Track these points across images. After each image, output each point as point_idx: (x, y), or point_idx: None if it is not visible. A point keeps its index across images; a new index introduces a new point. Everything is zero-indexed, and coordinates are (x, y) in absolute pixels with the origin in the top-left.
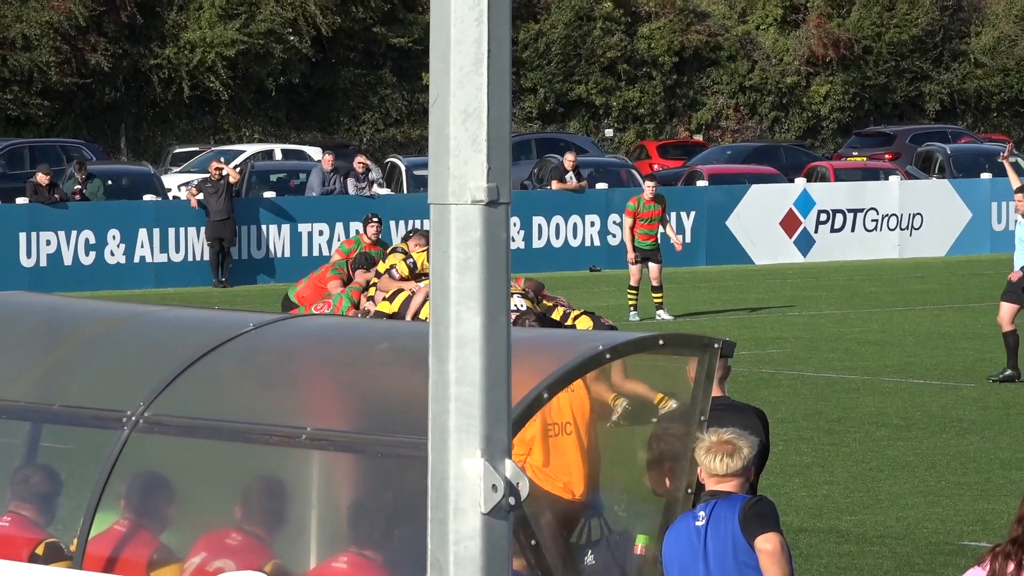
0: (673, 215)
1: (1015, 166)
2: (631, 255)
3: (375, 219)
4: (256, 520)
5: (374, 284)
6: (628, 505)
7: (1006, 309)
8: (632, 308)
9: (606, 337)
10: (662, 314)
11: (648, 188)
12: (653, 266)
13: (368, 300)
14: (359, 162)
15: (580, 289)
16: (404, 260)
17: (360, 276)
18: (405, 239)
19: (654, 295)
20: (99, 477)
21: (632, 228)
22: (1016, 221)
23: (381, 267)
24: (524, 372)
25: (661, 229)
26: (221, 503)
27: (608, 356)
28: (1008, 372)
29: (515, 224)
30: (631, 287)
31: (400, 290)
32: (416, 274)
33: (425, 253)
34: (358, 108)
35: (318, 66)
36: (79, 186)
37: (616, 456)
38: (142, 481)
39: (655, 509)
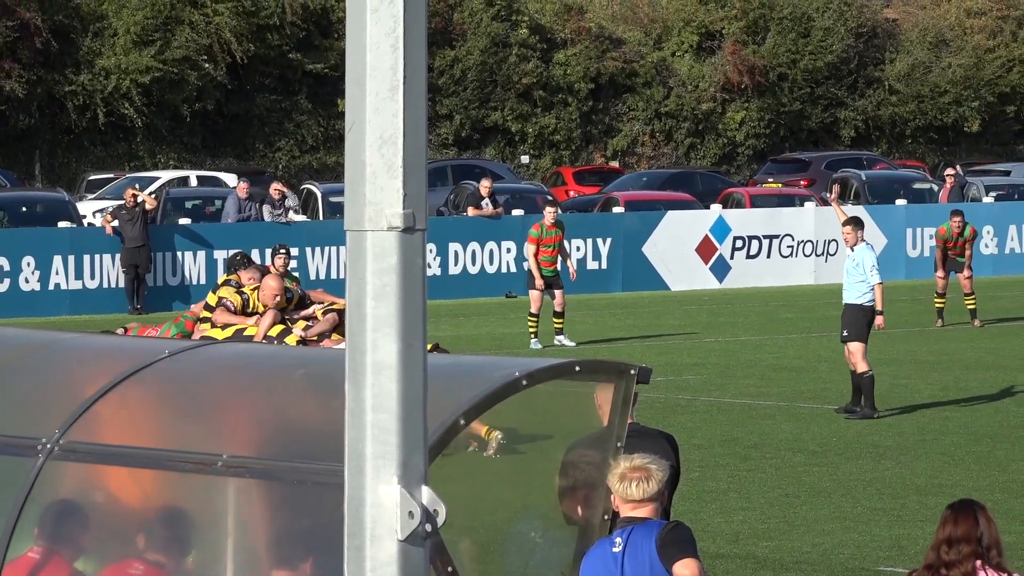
0: (588, 242)
1: (840, 204)
2: (539, 282)
3: (283, 251)
4: (161, 549)
5: (207, 318)
6: (545, 532)
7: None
8: (533, 335)
9: (522, 364)
10: (563, 340)
11: (549, 214)
12: (556, 292)
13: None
14: (275, 189)
15: (496, 315)
16: (237, 292)
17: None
18: (233, 269)
19: (555, 320)
20: (14, 505)
21: (536, 254)
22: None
23: (211, 299)
24: (441, 399)
25: (561, 256)
26: (132, 531)
27: (524, 383)
28: (853, 407)
29: (431, 250)
30: (532, 314)
31: (232, 324)
32: (248, 312)
33: (258, 290)
34: (273, 135)
35: (233, 93)
36: None
37: (532, 483)
38: (56, 509)
39: (571, 536)
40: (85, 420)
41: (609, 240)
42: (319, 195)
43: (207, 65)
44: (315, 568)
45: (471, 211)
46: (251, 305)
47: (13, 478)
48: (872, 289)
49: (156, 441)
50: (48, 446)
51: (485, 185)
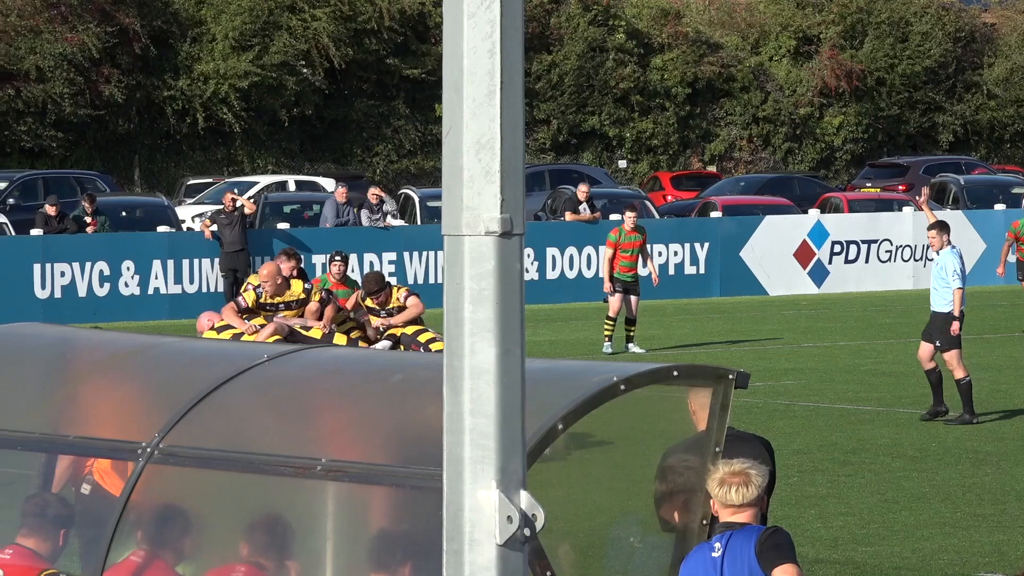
0: (686, 246)
1: (930, 207)
2: (607, 285)
3: (338, 258)
4: (264, 553)
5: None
6: (644, 537)
7: (925, 349)
8: (607, 339)
9: (620, 368)
10: (633, 347)
11: (629, 219)
12: (632, 298)
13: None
14: (373, 193)
15: (593, 320)
16: (254, 289)
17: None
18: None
19: (627, 328)
20: (114, 508)
21: (612, 259)
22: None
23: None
24: (539, 403)
25: (640, 261)
26: (234, 536)
27: (623, 387)
28: (937, 408)
29: (529, 255)
30: (609, 318)
31: (231, 327)
32: (262, 306)
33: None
34: (371, 139)
35: (331, 98)
36: (87, 217)
37: (630, 488)
38: (157, 512)
39: (669, 541)
40: (184, 424)
41: (707, 245)
42: (417, 200)
43: (305, 70)
44: (414, 573)
45: (568, 216)
46: (264, 298)
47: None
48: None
49: (255, 445)
50: (148, 450)
51: (582, 190)
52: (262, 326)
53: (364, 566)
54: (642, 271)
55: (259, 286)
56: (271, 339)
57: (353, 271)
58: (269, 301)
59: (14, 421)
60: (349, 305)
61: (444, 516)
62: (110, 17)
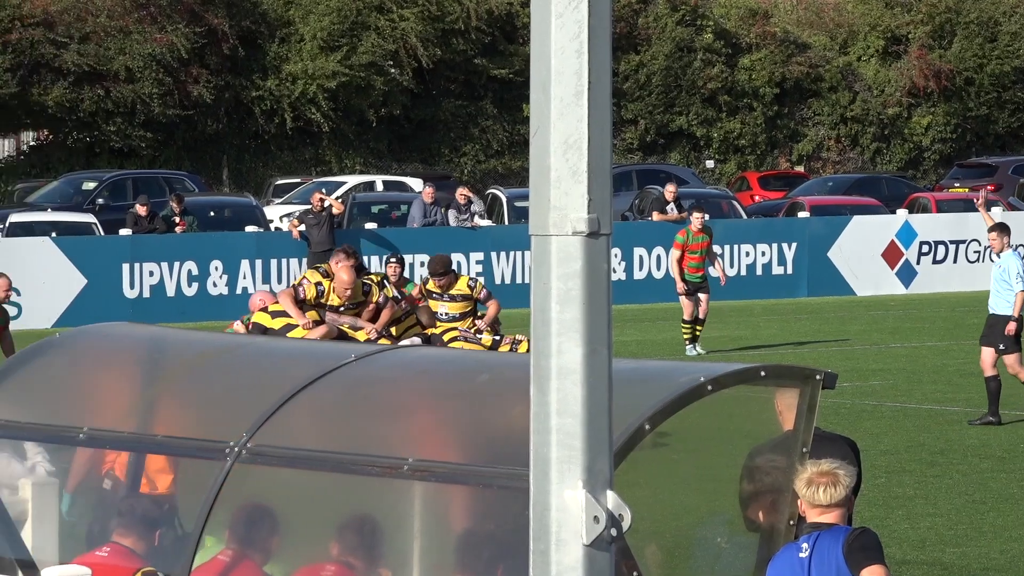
0: (774, 246)
1: (987, 209)
2: (680, 287)
3: (394, 260)
4: (355, 552)
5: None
6: (730, 537)
7: (987, 354)
8: (687, 342)
9: (707, 369)
10: (693, 349)
11: (696, 219)
12: (702, 298)
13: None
14: (461, 193)
15: (680, 320)
16: (317, 283)
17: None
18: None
19: (694, 327)
20: (202, 507)
21: (680, 261)
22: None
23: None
24: (626, 403)
25: (708, 262)
26: (322, 535)
27: (709, 388)
28: (989, 417)
29: (616, 255)
30: (685, 321)
31: (286, 313)
32: (321, 303)
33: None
34: (459, 139)
35: (419, 98)
36: (176, 217)
37: (717, 488)
38: (246, 512)
39: (756, 541)
40: (272, 424)
41: (795, 245)
42: (504, 200)
43: (393, 70)
44: (500, 572)
45: (656, 216)
46: (325, 296)
47: (202, 481)
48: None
49: (342, 445)
50: (236, 449)
51: (670, 190)
52: (316, 323)
53: (450, 566)
54: (712, 272)
55: (320, 284)
56: (320, 339)
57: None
58: (329, 303)
59: (104, 420)
60: (415, 292)
61: (531, 516)
62: (199, 18)
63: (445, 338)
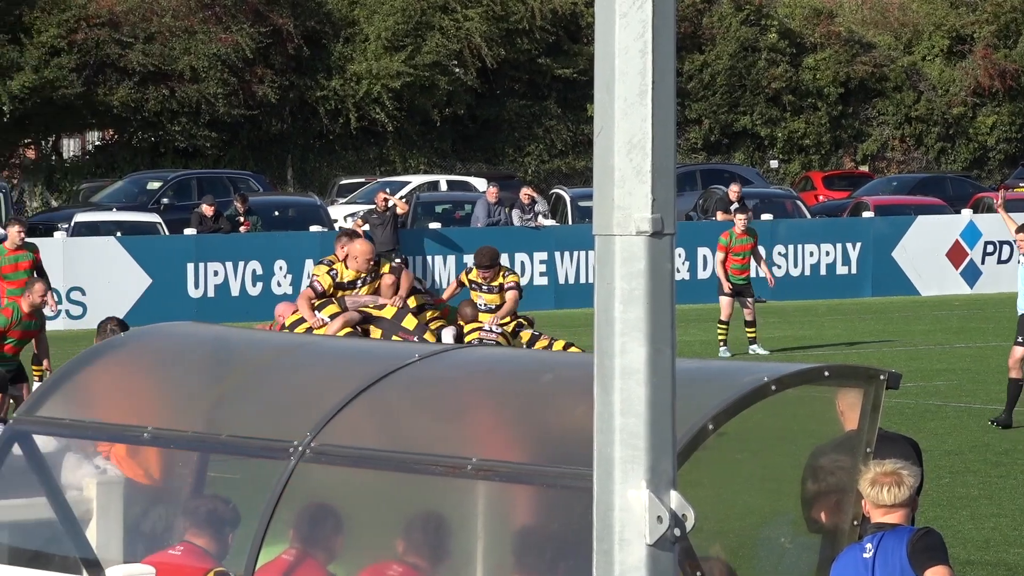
0: (838, 246)
1: (1005, 208)
2: (726, 287)
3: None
4: (418, 552)
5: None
6: (794, 537)
7: (1018, 351)
8: (722, 343)
9: (771, 369)
10: (756, 348)
11: (739, 221)
12: (747, 300)
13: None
14: (525, 193)
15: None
16: (328, 271)
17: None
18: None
19: (748, 330)
20: (266, 507)
21: (724, 262)
22: (1019, 261)
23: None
24: (689, 403)
25: (754, 263)
26: (386, 534)
27: (773, 388)
28: (1007, 421)
29: (680, 255)
30: (721, 321)
31: (303, 320)
32: (341, 285)
33: (347, 259)
34: (523, 139)
35: (483, 97)
36: (240, 217)
37: (780, 488)
38: (310, 511)
39: (819, 541)
40: (336, 423)
41: (859, 245)
42: (568, 199)
43: (457, 70)
44: (563, 572)
45: (720, 216)
46: (340, 276)
47: (266, 480)
48: None
49: (406, 444)
50: (300, 449)
51: (734, 189)
52: (332, 316)
53: (513, 565)
54: (759, 271)
55: (331, 268)
56: (342, 332)
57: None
58: (347, 280)
59: (169, 420)
60: (453, 285)
61: (594, 516)
62: (264, 17)
63: (467, 339)
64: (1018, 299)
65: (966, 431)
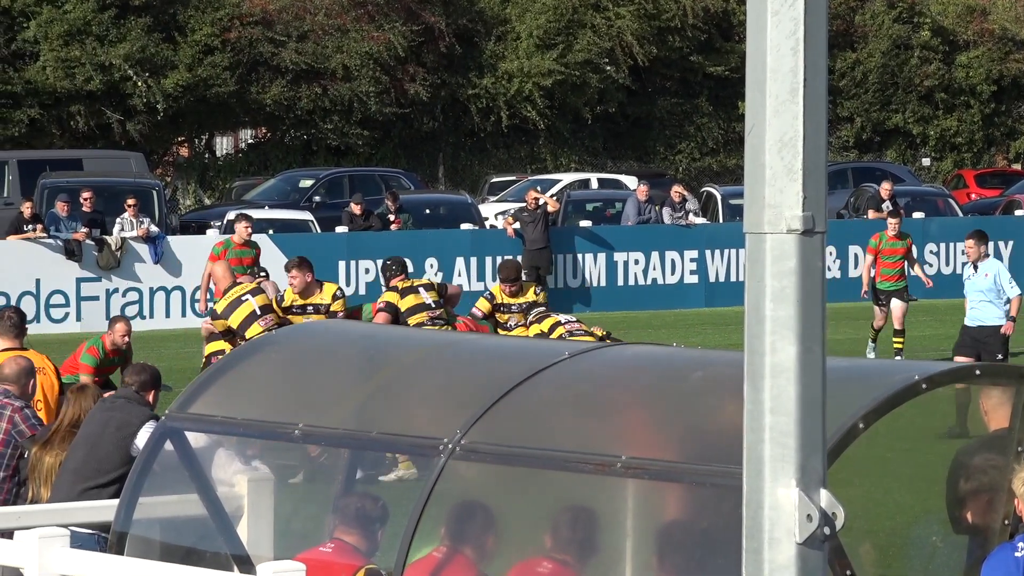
0: (990, 245)
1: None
2: (865, 291)
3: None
4: (568, 549)
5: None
6: (944, 536)
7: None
8: (871, 340)
9: (921, 367)
10: (875, 351)
11: (892, 225)
12: (897, 305)
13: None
14: (676, 191)
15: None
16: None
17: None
18: (390, 275)
19: (895, 339)
20: (416, 504)
21: (871, 265)
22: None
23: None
24: (839, 402)
25: (908, 268)
26: (535, 531)
27: (924, 386)
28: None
29: (831, 253)
30: (875, 329)
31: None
32: (285, 308)
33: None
34: (674, 137)
35: (634, 95)
36: (391, 215)
37: (930, 487)
38: (460, 509)
39: (969, 541)
40: (486, 421)
41: (1011, 243)
42: (719, 197)
43: (609, 68)
44: (712, 570)
45: (871, 214)
46: (286, 301)
47: (416, 478)
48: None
49: (555, 442)
50: (450, 446)
51: (886, 187)
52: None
53: (662, 562)
54: (913, 272)
55: (280, 295)
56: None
57: (654, 268)
58: (297, 302)
59: (320, 417)
60: (480, 307)
61: (743, 514)
62: (416, 16)
63: (553, 336)
64: (970, 311)
65: None
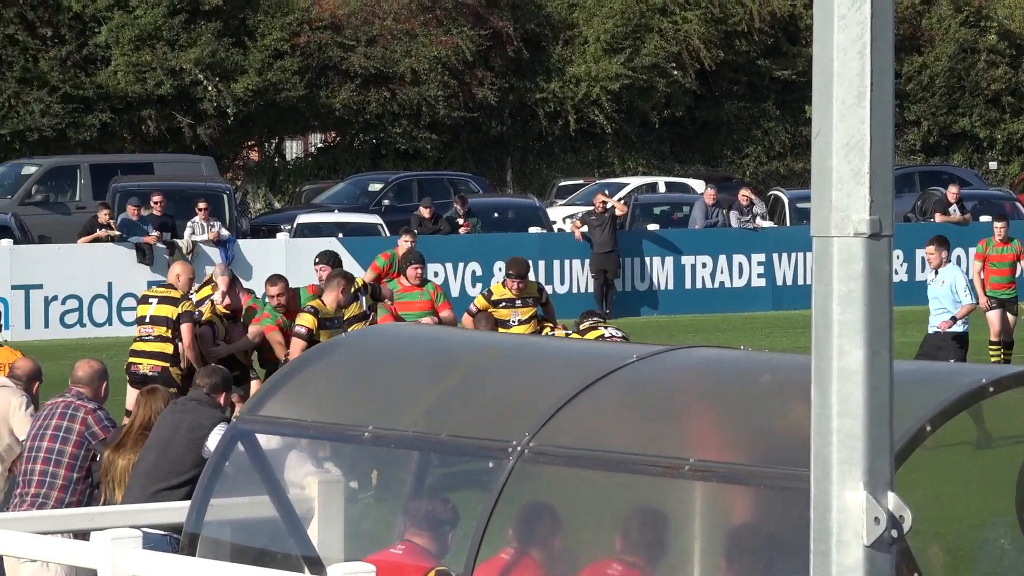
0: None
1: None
2: (983, 301)
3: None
4: (637, 551)
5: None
6: (1013, 539)
7: None
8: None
9: (989, 370)
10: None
11: (998, 229)
12: (996, 316)
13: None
14: (743, 195)
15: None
16: (309, 312)
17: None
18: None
19: (1004, 351)
20: (485, 506)
21: (980, 272)
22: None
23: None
24: (906, 405)
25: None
26: (604, 534)
27: (991, 389)
28: None
29: (898, 257)
30: (992, 342)
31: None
32: (321, 321)
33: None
34: (741, 141)
35: (702, 99)
36: (459, 219)
37: (999, 490)
38: (529, 511)
39: None
40: (554, 423)
41: None
42: (786, 201)
43: (676, 72)
44: (781, 572)
45: (938, 217)
46: (322, 313)
47: (485, 480)
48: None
49: (623, 444)
50: (518, 449)
51: (952, 191)
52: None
53: (732, 565)
54: None
55: (313, 305)
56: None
57: (721, 272)
58: (332, 316)
59: (389, 420)
60: (478, 304)
61: (811, 517)
62: (484, 20)
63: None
64: (931, 318)
65: None
